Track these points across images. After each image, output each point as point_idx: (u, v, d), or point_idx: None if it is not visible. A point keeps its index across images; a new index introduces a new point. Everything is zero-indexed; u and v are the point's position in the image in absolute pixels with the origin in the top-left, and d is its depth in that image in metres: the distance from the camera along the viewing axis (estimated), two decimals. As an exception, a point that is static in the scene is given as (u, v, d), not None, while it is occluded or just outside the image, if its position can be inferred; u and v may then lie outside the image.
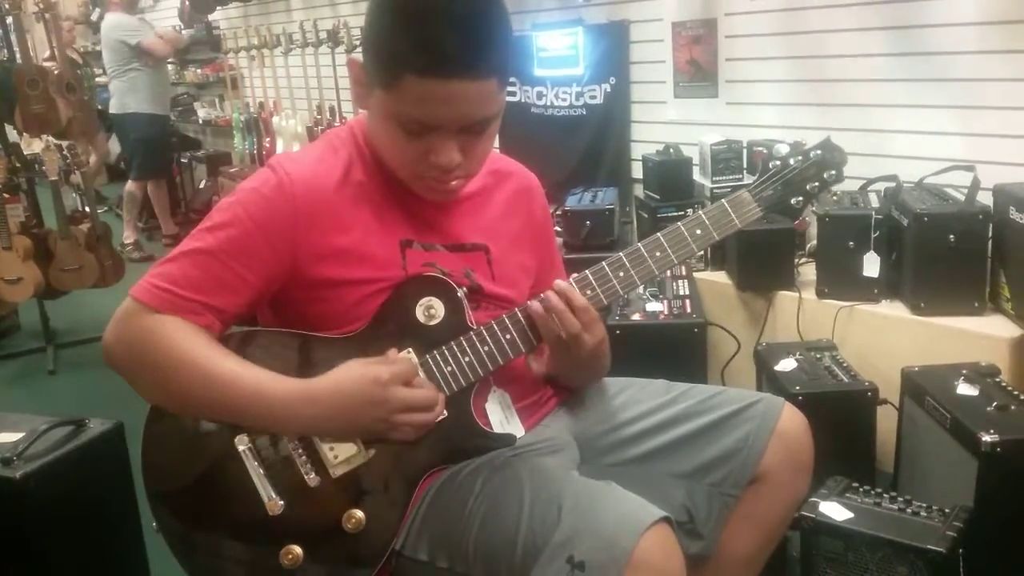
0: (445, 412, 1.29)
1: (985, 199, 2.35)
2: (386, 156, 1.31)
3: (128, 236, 5.98)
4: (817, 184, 1.40)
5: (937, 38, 2.70)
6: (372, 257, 1.31)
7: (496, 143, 4.07)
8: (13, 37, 4.33)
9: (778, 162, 1.40)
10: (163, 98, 6.05)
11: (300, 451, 1.26)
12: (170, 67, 7.74)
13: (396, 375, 1.22)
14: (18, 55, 4.34)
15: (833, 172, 1.40)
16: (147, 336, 1.22)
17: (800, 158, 1.40)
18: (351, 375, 1.22)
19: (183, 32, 7.12)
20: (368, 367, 1.23)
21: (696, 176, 3.24)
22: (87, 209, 4.42)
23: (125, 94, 5.73)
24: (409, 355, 1.29)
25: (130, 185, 6.05)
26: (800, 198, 1.40)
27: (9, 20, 4.30)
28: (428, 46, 1.14)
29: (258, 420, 1.24)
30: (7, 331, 4.50)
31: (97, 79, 6.96)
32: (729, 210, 1.37)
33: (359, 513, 1.26)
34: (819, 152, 1.40)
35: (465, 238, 1.40)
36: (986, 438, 1.69)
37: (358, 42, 4.90)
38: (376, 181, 1.34)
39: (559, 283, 1.33)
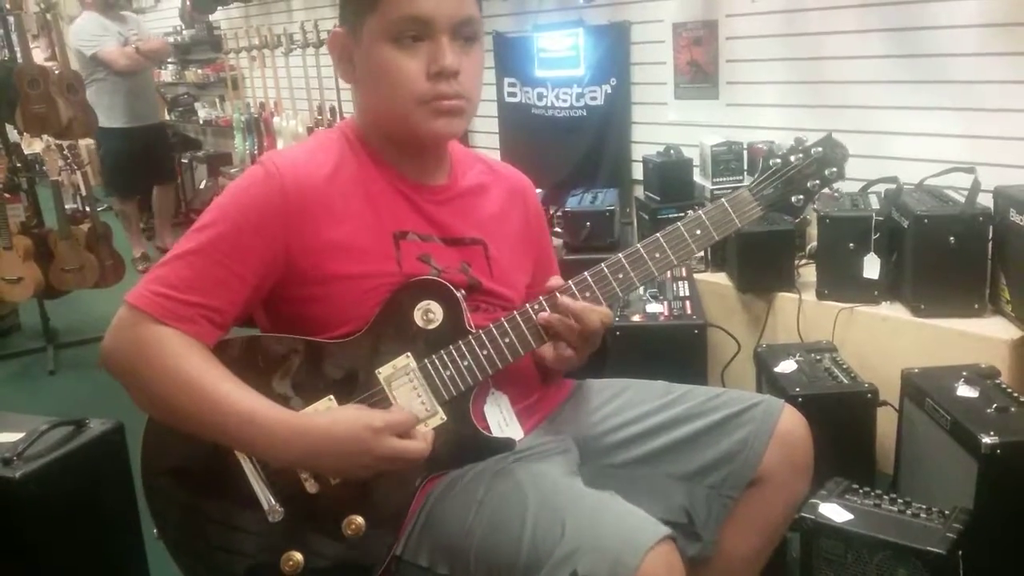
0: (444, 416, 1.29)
1: (985, 201, 2.35)
2: (389, 102, 1.30)
3: (136, 251, 5.63)
4: (818, 182, 1.38)
5: (937, 40, 2.70)
6: (364, 250, 1.31)
7: (496, 144, 4.07)
8: (14, 37, 4.33)
9: (779, 160, 1.38)
10: (141, 108, 5.48)
11: None
12: (171, 67, 7.74)
13: (390, 424, 1.20)
14: (19, 55, 4.33)
15: (835, 169, 1.38)
16: (143, 349, 1.22)
17: (801, 155, 1.38)
18: (346, 417, 1.21)
19: (183, 33, 7.11)
20: (364, 412, 1.22)
21: (696, 177, 3.24)
22: (88, 209, 4.42)
23: (95, 106, 5.17)
24: (407, 358, 1.29)
25: (113, 202, 5.76)
26: (801, 196, 1.38)
27: (10, 20, 4.30)
28: None
29: (248, 446, 1.24)
30: (7, 331, 4.51)
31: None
32: (729, 210, 1.36)
33: (359, 519, 1.26)
34: (820, 149, 1.38)
35: (462, 232, 1.40)
36: (986, 440, 1.69)
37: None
38: (370, 174, 1.35)
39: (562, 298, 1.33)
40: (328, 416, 1.23)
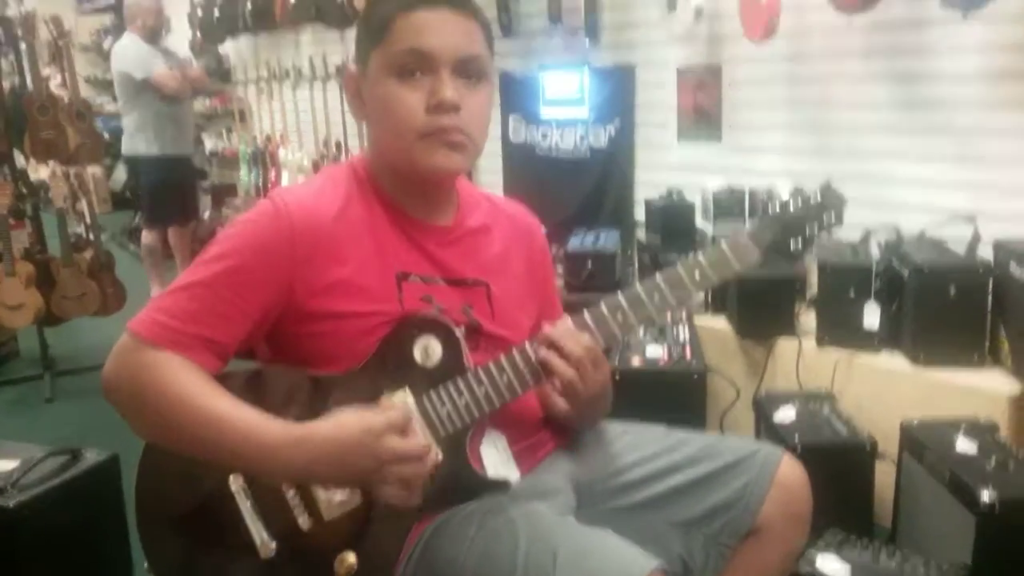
0: (440, 455, 1.28)
1: (986, 253, 2.36)
2: (391, 135, 1.32)
3: (154, 290, 5.21)
4: (816, 228, 1.40)
5: (939, 90, 2.73)
6: (367, 289, 1.31)
7: (500, 180, 4.08)
8: (26, 63, 4.38)
9: (777, 205, 1.40)
10: (180, 138, 5.29)
11: (293, 492, 1.25)
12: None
13: (390, 424, 1.19)
14: (30, 81, 4.38)
15: (832, 216, 1.40)
16: (144, 372, 1.22)
17: (800, 202, 1.40)
18: (344, 422, 1.20)
19: (194, 63, 7.17)
20: (362, 415, 1.21)
21: (698, 221, 3.25)
22: (91, 237, 4.44)
23: (134, 133, 5.11)
24: (405, 393, 1.29)
25: (144, 235, 5.50)
26: (799, 241, 1.40)
27: (23, 47, 4.35)
28: None
29: (249, 462, 1.23)
30: (5, 357, 4.49)
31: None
32: (728, 253, 1.36)
33: (351, 557, 1.25)
34: (818, 196, 1.40)
35: (466, 273, 1.41)
36: (985, 495, 1.68)
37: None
38: (376, 214, 1.35)
39: (559, 325, 1.32)
40: (326, 423, 1.21)
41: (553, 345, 1.29)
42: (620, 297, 1.34)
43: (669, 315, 2.68)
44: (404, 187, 1.37)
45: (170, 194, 5.29)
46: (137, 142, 5.13)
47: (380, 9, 1.30)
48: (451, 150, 1.31)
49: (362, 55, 1.34)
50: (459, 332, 1.32)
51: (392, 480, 1.19)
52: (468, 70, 1.30)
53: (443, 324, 1.32)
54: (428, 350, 1.30)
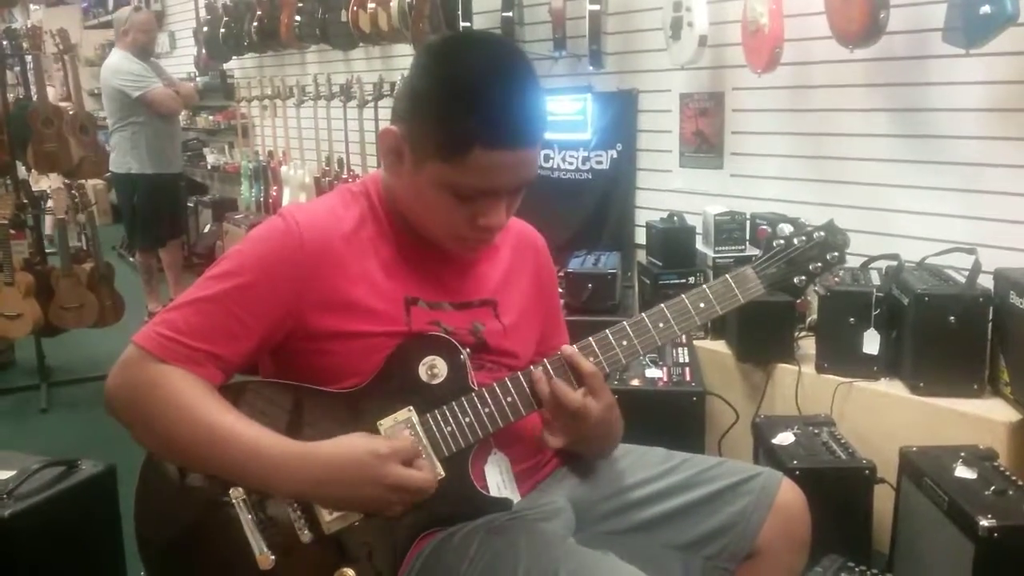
0: (442, 473, 1.28)
1: (986, 283, 2.37)
2: (425, 220, 1.33)
3: (153, 306, 5.25)
4: (820, 265, 1.42)
5: (940, 122, 2.74)
6: (376, 312, 1.32)
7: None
8: (31, 75, 4.41)
9: (782, 241, 1.42)
10: (173, 154, 5.28)
11: (295, 505, 1.25)
12: (183, 113, 7.81)
13: (395, 451, 1.21)
14: (34, 94, 4.40)
15: (836, 254, 1.42)
16: (150, 386, 1.22)
17: (803, 238, 1.42)
18: (351, 444, 1.22)
19: (196, 80, 7.21)
20: (369, 439, 1.23)
21: (699, 245, 3.26)
22: (91, 248, 4.44)
23: (127, 152, 5.04)
24: (409, 411, 1.29)
25: (137, 256, 5.48)
26: (803, 277, 1.42)
27: (28, 59, 4.37)
28: (496, 121, 1.20)
29: (253, 478, 1.23)
30: (2, 367, 4.49)
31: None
32: (733, 285, 1.38)
33: (350, 572, 1.25)
34: (822, 234, 1.42)
35: (473, 295, 1.42)
36: (983, 523, 1.68)
37: (370, 98, 4.98)
38: (387, 237, 1.36)
39: (565, 348, 1.33)
40: (333, 443, 1.22)
41: (571, 360, 1.32)
42: (626, 324, 1.35)
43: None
44: (417, 230, 1.37)
45: (164, 213, 5.29)
46: (130, 160, 5.08)
47: (459, 126, 1.20)
48: (485, 247, 1.38)
49: (419, 146, 1.26)
50: (464, 352, 1.33)
51: (393, 507, 1.20)
52: (521, 188, 1.32)
53: (449, 344, 1.33)
54: (433, 369, 1.31)
